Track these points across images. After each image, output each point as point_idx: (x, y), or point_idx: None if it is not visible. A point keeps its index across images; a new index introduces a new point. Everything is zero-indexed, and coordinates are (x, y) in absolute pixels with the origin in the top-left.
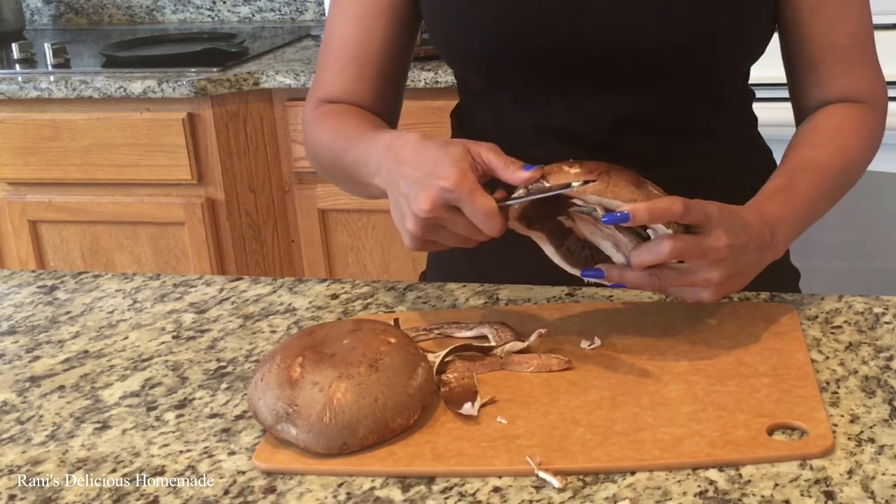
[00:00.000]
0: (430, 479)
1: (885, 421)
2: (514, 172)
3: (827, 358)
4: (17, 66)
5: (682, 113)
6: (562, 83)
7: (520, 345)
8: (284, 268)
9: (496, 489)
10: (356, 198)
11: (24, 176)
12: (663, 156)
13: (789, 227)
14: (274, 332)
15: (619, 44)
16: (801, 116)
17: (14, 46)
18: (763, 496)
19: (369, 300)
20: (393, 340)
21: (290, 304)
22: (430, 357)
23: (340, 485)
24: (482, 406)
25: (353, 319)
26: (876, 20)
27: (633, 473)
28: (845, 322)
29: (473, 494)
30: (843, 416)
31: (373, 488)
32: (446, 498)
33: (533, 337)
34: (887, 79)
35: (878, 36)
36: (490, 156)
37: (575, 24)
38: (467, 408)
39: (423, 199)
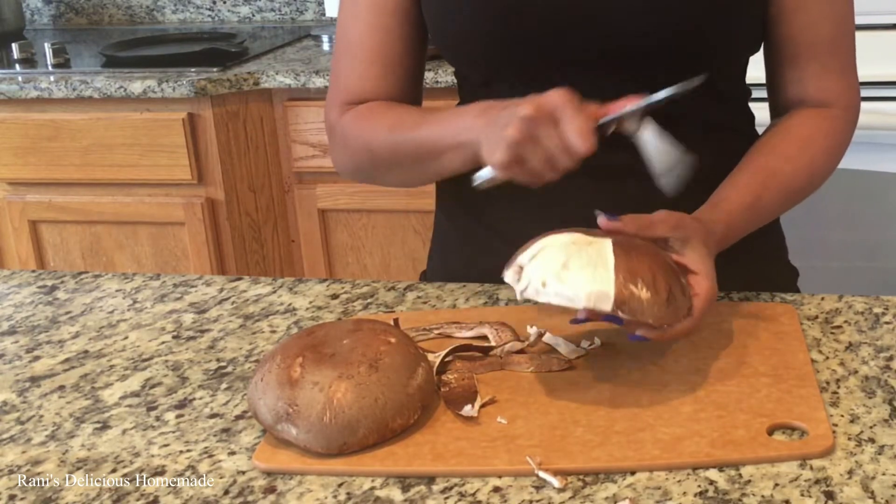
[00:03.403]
0: (430, 479)
1: (885, 421)
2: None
3: (827, 358)
4: (17, 66)
5: (681, 105)
6: (560, 73)
7: (520, 345)
8: (284, 268)
9: (496, 489)
10: (356, 198)
11: (24, 176)
12: None
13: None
14: (274, 332)
15: (614, 33)
16: (776, 111)
17: (14, 46)
18: (763, 496)
19: (369, 300)
20: (393, 340)
21: (290, 304)
22: (430, 357)
23: (340, 485)
24: (482, 406)
25: (353, 319)
26: (874, 20)
27: (633, 473)
28: (845, 322)
29: (473, 494)
30: (843, 416)
31: (373, 488)
32: (446, 498)
33: (533, 337)
34: (887, 79)
35: (879, 36)
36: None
37: (572, 14)
38: (467, 409)
39: (530, 101)
